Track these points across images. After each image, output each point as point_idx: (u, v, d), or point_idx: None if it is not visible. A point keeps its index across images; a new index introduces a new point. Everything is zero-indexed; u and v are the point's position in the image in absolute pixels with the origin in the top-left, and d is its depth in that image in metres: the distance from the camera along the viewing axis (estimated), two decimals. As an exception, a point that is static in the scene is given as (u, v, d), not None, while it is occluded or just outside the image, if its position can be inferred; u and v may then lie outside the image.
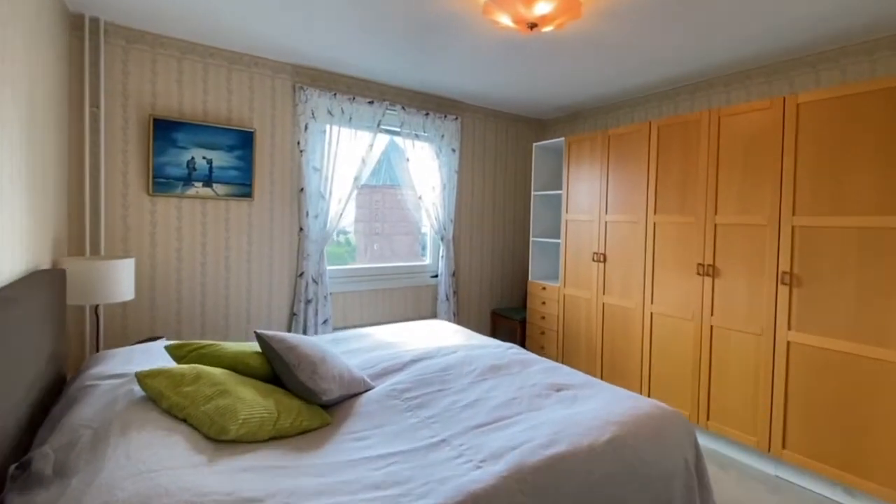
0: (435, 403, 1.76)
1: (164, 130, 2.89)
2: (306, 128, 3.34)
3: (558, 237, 4.12)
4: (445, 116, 3.98)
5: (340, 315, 3.69)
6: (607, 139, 3.45)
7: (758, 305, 2.56)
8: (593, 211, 3.56)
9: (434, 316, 4.16)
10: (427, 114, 3.87)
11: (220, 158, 3.09)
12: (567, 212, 3.82)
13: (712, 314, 2.78)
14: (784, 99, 2.47)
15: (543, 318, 4.02)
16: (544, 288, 4.02)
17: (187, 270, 3.02)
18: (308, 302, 3.41)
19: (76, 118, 2.64)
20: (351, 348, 2.52)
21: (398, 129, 3.81)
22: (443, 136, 3.98)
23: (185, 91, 2.97)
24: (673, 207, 2.99)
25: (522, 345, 4.36)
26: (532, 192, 4.19)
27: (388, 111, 3.68)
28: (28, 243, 1.83)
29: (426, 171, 3.92)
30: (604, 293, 3.48)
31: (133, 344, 2.79)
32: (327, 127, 3.43)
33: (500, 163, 4.55)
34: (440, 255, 4.09)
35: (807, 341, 2.37)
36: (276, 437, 1.46)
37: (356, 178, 3.55)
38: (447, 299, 4.07)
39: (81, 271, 2.26)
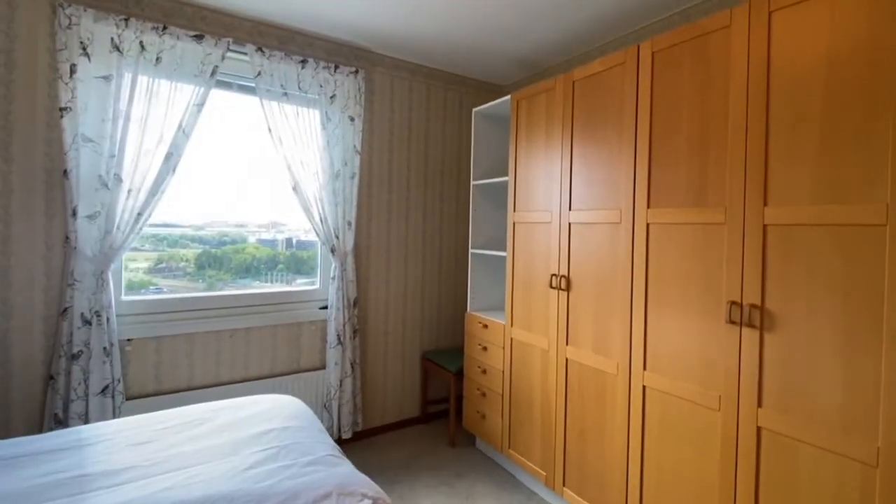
0: None
1: None
2: (72, 72, 2.01)
3: (504, 248, 2.77)
4: (336, 68, 2.64)
5: (149, 375, 2.32)
6: (571, 87, 2.13)
7: (866, 394, 1.23)
8: (551, 206, 2.23)
9: (324, 367, 2.80)
10: (304, 62, 2.54)
11: None
12: (514, 209, 2.49)
13: (760, 401, 1.44)
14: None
15: (484, 371, 2.67)
16: (485, 326, 2.67)
17: None
18: (74, 357, 2.05)
19: None
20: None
21: (250, 83, 2.49)
22: (332, 96, 2.64)
23: None
24: (680, 195, 1.67)
25: (458, 409, 2.99)
26: (472, 182, 2.86)
27: (230, 52, 2.35)
28: None
29: (304, 149, 2.58)
30: (567, 341, 2.13)
31: None
32: (114, 72, 2.10)
33: (433, 142, 3.20)
34: (331, 275, 2.74)
35: None
36: None
37: (169, 157, 2.21)
38: (339, 343, 2.71)
39: None
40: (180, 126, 2.23)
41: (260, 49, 2.42)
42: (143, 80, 2.16)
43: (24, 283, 2.03)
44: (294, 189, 2.54)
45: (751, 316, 1.47)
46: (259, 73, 2.41)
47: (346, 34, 2.63)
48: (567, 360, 2.12)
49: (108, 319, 2.13)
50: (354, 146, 2.71)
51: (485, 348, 2.67)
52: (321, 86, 2.59)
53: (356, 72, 2.70)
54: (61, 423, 2.08)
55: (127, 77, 2.12)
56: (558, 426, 2.16)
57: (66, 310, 2.06)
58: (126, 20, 2.10)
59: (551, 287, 2.21)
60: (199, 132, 2.36)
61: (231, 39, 2.33)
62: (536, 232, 2.33)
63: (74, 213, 2.04)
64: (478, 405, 2.73)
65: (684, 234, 1.66)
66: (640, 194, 1.79)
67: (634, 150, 1.82)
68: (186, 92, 2.25)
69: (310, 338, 2.76)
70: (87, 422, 2.10)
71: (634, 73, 1.82)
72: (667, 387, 1.71)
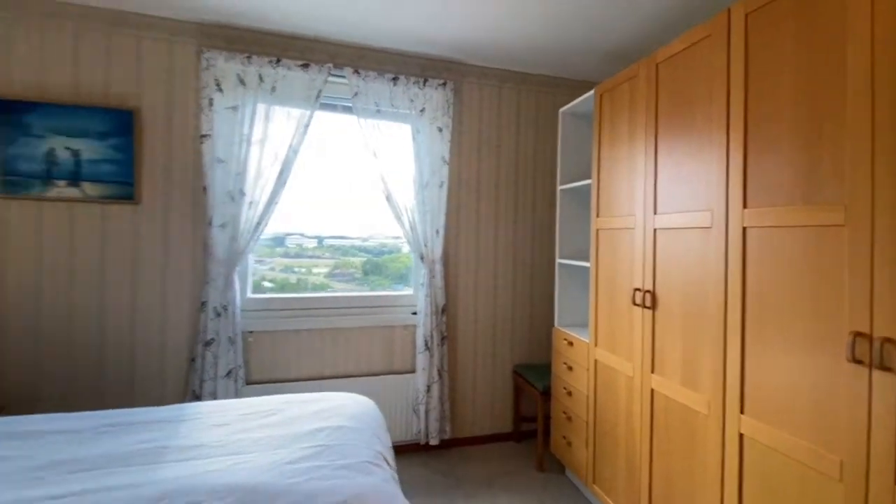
0: None
1: (13, 113, 2.25)
2: (210, 104, 2.45)
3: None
4: (426, 82, 2.73)
5: (266, 363, 2.66)
6: (654, 72, 1.84)
7: None
8: (634, 209, 1.95)
9: (414, 370, 2.87)
10: (395, 79, 2.68)
11: (91, 150, 2.36)
12: (598, 214, 2.24)
13: (898, 474, 1.03)
14: None
15: (570, 393, 2.44)
16: (570, 343, 2.45)
17: (53, 299, 2.32)
18: (207, 344, 2.46)
19: None
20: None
21: (348, 102, 2.70)
22: (422, 109, 2.73)
23: (46, 59, 2.31)
24: (784, 190, 1.30)
25: (546, 431, 2.77)
26: (558, 187, 2.66)
27: (331, 77, 2.60)
28: None
29: (396, 161, 2.71)
30: (652, 369, 1.82)
31: None
32: (240, 102, 2.49)
33: (524, 148, 3.09)
34: (420, 281, 2.80)
35: None
36: None
37: (281, 173, 2.53)
38: (427, 348, 2.75)
39: None
40: (290, 145, 2.54)
41: (356, 71, 2.62)
42: (261, 107, 2.52)
43: (178, 282, 2.51)
44: (387, 199, 2.69)
45: (883, 354, 1.06)
46: (356, 94, 2.62)
47: (437, 49, 2.71)
48: (652, 390, 1.81)
49: (233, 313, 2.51)
50: (442, 156, 2.75)
51: (570, 368, 2.44)
52: (411, 100, 2.70)
53: (444, 84, 2.75)
54: (198, 398, 2.50)
55: (249, 106, 2.50)
56: (643, 466, 1.85)
57: (203, 303, 2.49)
58: (249, 57, 2.48)
59: (634, 304, 1.92)
60: (320, 150, 2.67)
61: (332, 65, 2.58)
62: (620, 239, 2.06)
63: (210, 223, 2.47)
64: (563, 429, 2.50)
65: (789, 241, 1.28)
66: (735, 191, 1.44)
67: (727, 136, 1.47)
68: (295, 115, 2.55)
69: (402, 341, 2.87)
70: (215, 399, 2.50)
71: (724, 45, 1.49)
72: (769, 439, 1.33)
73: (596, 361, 2.22)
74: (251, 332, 2.64)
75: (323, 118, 2.77)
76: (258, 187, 2.52)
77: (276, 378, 2.67)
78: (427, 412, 2.78)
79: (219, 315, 2.48)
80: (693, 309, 1.62)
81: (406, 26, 2.43)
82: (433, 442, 2.78)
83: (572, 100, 3.16)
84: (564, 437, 2.49)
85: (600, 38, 2.49)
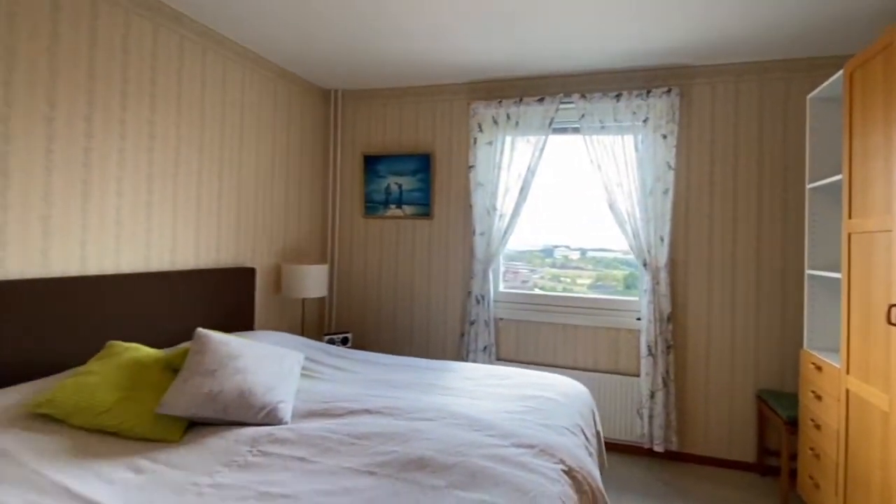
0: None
1: (372, 164, 3.65)
2: (475, 142, 3.26)
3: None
4: (649, 93, 2.74)
5: (512, 346, 3.29)
6: None
7: None
8: (893, 207, 1.56)
9: (638, 374, 2.91)
10: (618, 96, 2.81)
11: (408, 183, 3.56)
12: (850, 215, 1.82)
13: None
14: None
15: (818, 427, 2.05)
16: (819, 368, 2.05)
17: (387, 282, 3.65)
18: (471, 324, 3.29)
19: (322, 162, 3.80)
20: (381, 378, 2.34)
21: (576, 124, 2.99)
22: (645, 119, 2.76)
23: (387, 129, 3.63)
24: None
25: (792, 474, 2.33)
26: (806, 186, 2.18)
27: (561, 105, 2.98)
28: (223, 247, 2.94)
29: (618, 172, 2.84)
30: None
31: (324, 336, 3.64)
32: (494, 138, 3.19)
33: (770, 144, 2.65)
34: (643, 288, 2.83)
35: None
36: (104, 430, 1.55)
37: (522, 190, 3.10)
38: (650, 354, 2.76)
39: (288, 272, 3.30)
40: (529, 167, 3.08)
41: (583, 96, 2.92)
42: (508, 139, 3.16)
43: (455, 274, 3.46)
44: (610, 207, 2.87)
45: None
46: (582, 116, 2.92)
47: (659, 59, 2.71)
48: None
49: (488, 302, 3.26)
50: (667, 162, 2.71)
51: (818, 397, 2.03)
52: (633, 112, 2.78)
53: (668, 91, 2.70)
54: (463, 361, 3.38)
55: (500, 139, 3.18)
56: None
57: (469, 293, 3.34)
58: (500, 102, 3.16)
59: (890, 322, 1.55)
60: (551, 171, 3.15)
61: (562, 94, 2.97)
62: (875, 244, 1.66)
63: (474, 232, 3.28)
64: (810, 468, 2.10)
65: None
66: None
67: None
68: (532, 141, 3.08)
69: (626, 345, 2.97)
70: (474, 363, 3.31)
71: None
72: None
73: (847, 391, 1.84)
74: (501, 318, 3.33)
75: (553, 140, 3.19)
76: (505, 203, 3.17)
77: (518, 359, 3.27)
78: (651, 417, 2.80)
79: (478, 302, 3.27)
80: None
81: (627, 47, 2.58)
82: (657, 448, 2.78)
83: (824, 81, 2.50)
84: (811, 478, 2.10)
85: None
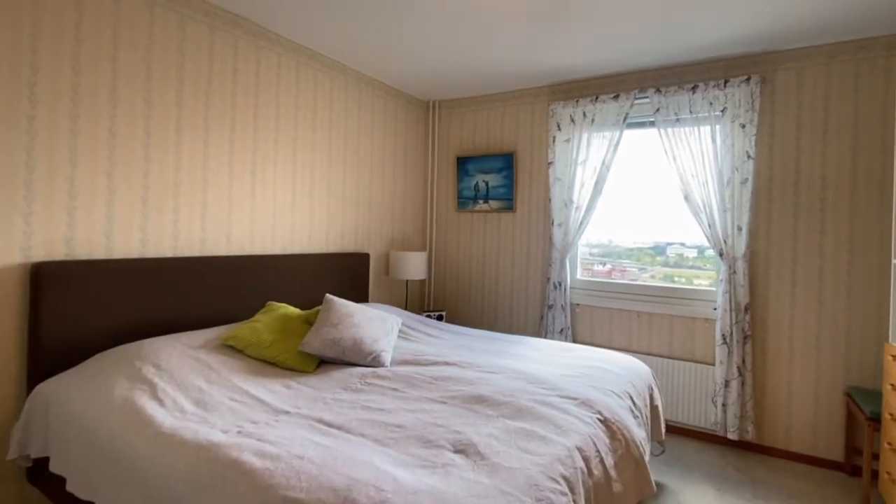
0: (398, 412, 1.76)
1: (462, 164, 4.08)
2: (554, 140, 3.52)
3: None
4: (727, 83, 2.77)
5: (587, 330, 3.49)
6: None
7: None
8: None
9: (713, 363, 2.93)
10: (694, 88, 2.87)
11: (494, 180, 3.92)
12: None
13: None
14: None
15: None
16: None
17: (476, 268, 4.06)
18: (549, 307, 3.55)
19: (422, 165, 4.32)
20: (457, 343, 2.75)
21: (651, 118, 3.09)
22: (723, 109, 2.79)
23: (476, 132, 4.03)
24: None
25: (876, 472, 2.25)
26: None
27: (636, 101, 3.11)
28: (346, 235, 3.60)
29: (694, 163, 2.90)
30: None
31: (423, 312, 4.14)
32: (571, 135, 3.42)
33: (867, 130, 2.52)
34: (719, 277, 2.85)
35: None
36: (266, 360, 2.13)
37: (597, 184, 3.29)
38: (725, 343, 2.79)
39: (394, 257, 3.87)
40: (603, 162, 3.26)
41: (658, 90, 3.02)
42: (584, 135, 3.37)
43: (535, 262, 3.75)
44: (685, 198, 2.94)
45: None
46: (657, 110, 3.03)
47: (740, 48, 2.72)
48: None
49: (565, 288, 3.50)
50: (746, 152, 2.71)
51: None
52: (710, 103, 2.83)
53: (748, 79, 2.70)
54: (542, 343, 3.64)
55: (577, 136, 3.40)
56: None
57: (547, 279, 3.60)
58: (576, 101, 3.37)
59: None
60: (623, 166, 3.30)
61: (637, 90, 3.10)
62: None
63: (552, 223, 3.54)
64: (889, 464, 2.04)
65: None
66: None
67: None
68: (607, 137, 3.25)
69: (702, 333, 3.01)
70: (551, 346, 3.56)
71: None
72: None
73: (917, 386, 1.82)
74: (577, 304, 3.54)
75: (628, 135, 3.32)
76: (581, 196, 3.39)
77: (593, 342, 3.46)
78: (725, 406, 2.83)
79: (556, 288, 3.52)
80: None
81: (704, 38, 2.63)
82: (731, 437, 2.80)
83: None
84: (888, 474, 2.05)
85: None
